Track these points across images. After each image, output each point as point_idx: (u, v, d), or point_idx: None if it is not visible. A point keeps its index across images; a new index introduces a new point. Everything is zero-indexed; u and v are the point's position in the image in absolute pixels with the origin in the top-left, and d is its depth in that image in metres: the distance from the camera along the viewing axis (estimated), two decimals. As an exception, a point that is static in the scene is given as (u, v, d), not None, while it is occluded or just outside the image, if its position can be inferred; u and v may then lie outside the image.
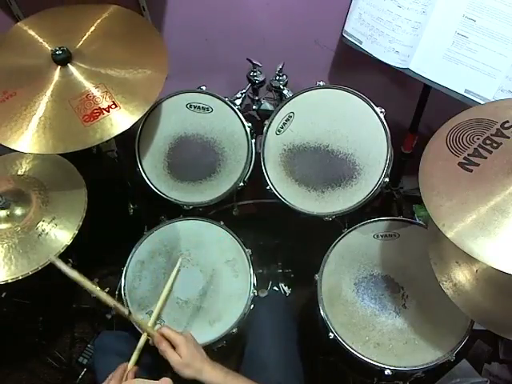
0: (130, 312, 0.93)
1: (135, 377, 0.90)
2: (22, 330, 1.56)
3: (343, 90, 1.19)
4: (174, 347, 0.91)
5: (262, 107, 1.40)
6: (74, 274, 0.84)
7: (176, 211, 1.30)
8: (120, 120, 1.00)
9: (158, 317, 1.12)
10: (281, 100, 1.33)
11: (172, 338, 0.91)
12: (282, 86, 1.31)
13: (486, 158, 0.83)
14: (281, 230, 1.65)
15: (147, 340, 1.02)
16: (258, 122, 1.33)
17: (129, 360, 0.95)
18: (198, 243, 1.25)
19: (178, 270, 1.16)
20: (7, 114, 1.00)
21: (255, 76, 1.31)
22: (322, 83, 1.22)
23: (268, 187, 1.22)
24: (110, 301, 0.91)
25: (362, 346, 1.08)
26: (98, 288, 0.91)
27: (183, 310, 1.17)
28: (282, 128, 1.24)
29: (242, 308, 1.15)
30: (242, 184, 1.25)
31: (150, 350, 1.01)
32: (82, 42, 1.09)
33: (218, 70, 1.54)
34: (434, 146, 0.90)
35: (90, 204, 1.08)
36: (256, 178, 1.27)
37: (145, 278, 1.21)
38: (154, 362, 1.10)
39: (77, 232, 1.03)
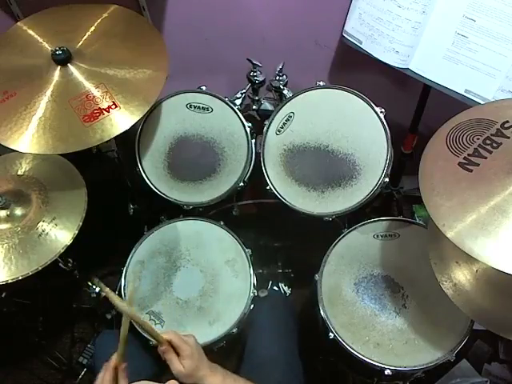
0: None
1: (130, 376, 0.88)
2: (22, 329, 1.56)
3: (343, 90, 1.19)
4: (177, 353, 0.90)
5: (262, 107, 1.40)
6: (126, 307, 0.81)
7: (176, 211, 1.30)
8: (120, 120, 1.00)
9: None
10: (281, 100, 1.33)
11: (178, 346, 0.89)
12: (281, 86, 1.31)
13: (485, 158, 0.83)
14: (281, 230, 1.65)
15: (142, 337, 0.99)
16: (258, 122, 1.33)
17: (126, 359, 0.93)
18: (198, 243, 1.25)
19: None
20: (7, 114, 1.00)
21: (255, 76, 1.31)
22: (322, 83, 1.22)
23: (268, 187, 1.22)
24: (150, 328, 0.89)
25: (362, 346, 1.08)
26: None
27: (183, 310, 1.17)
28: (282, 128, 1.24)
29: (242, 308, 1.15)
30: (242, 184, 1.25)
31: (150, 350, 1.01)
32: (82, 42, 1.09)
33: (218, 70, 1.54)
34: (434, 146, 0.90)
35: (90, 204, 1.08)
36: (256, 178, 1.27)
37: (145, 277, 1.21)
38: (154, 361, 1.10)
39: (77, 232, 1.03)
